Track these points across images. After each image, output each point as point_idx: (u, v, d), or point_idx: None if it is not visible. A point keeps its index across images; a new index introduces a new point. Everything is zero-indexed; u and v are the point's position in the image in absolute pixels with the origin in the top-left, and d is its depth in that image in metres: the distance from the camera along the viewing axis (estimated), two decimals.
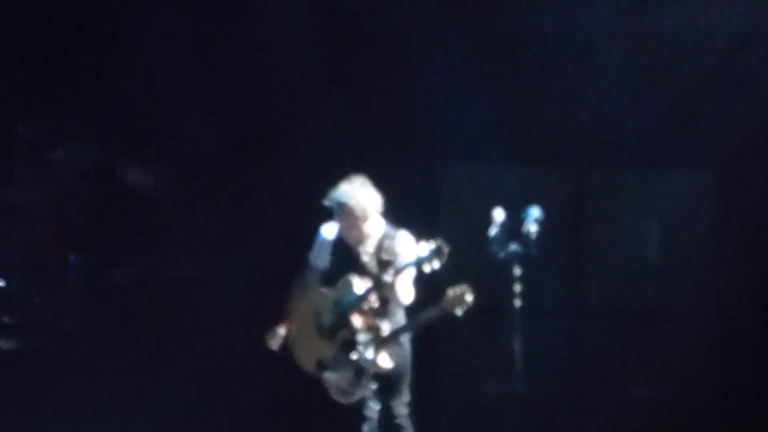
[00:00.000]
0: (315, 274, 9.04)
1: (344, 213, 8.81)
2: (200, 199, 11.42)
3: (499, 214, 8.46)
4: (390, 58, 11.25)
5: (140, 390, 10.78)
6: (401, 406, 8.86)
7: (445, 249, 8.39)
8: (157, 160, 11.80)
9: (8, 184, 11.87)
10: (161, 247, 11.68)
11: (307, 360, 8.85)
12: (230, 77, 11.30)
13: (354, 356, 8.53)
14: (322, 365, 8.72)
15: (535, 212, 8.44)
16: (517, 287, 8.35)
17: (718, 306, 11.25)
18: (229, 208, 11.35)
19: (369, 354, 8.52)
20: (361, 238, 8.88)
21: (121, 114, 11.38)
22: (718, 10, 11.17)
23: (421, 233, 8.71)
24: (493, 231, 8.45)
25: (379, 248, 8.82)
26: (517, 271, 8.38)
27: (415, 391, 8.96)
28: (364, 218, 8.82)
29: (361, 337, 8.58)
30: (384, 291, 8.69)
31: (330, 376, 8.70)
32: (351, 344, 8.59)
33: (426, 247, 8.46)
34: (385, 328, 8.69)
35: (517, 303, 8.34)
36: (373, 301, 8.73)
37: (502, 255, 8.42)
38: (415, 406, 8.95)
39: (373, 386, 8.57)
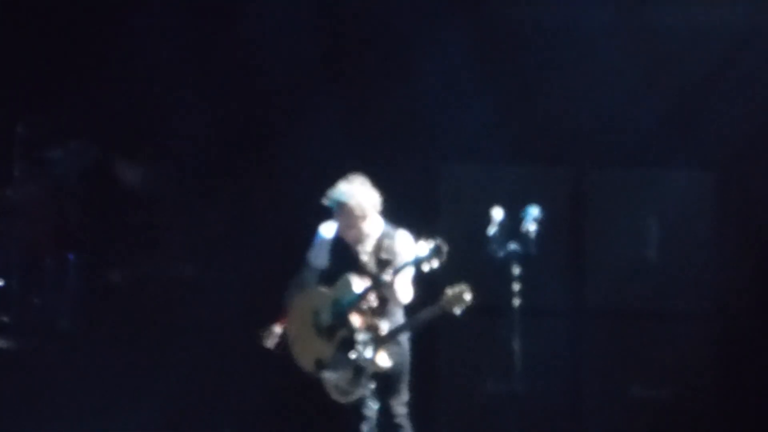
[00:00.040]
0: (314, 273, 9.03)
1: (343, 212, 8.79)
2: (199, 198, 11.42)
3: (498, 213, 8.47)
4: (389, 57, 11.25)
5: (139, 390, 10.76)
6: (400, 406, 8.85)
7: (444, 248, 8.39)
8: (156, 159, 11.81)
9: (8, 184, 11.87)
10: (160, 247, 11.69)
11: (306, 359, 8.83)
12: (229, 77, 11.31)
13: (353, 355, 8.52)
14: (321, 364, 8.71)
15: (534, 211, 8.45)
16: (516, 286, 8.36)
17: (718, 306, 11.22)
18: (227, 208, 11.35)
19: (368, 353, 8.51)
20: (360, 238, 8.86)
21: (120, 114, 11.39)
22: (718, 8, 11.16)
23: (420, 232, 8.70)
24: (492, 230, 8.45)
25: (378, 247, 8.81)
26: (516, 270, 8.39)
27: (414, 390, 8.94)
28: (363, 217, 8.80)
29: (360, 337, 8.57)
30: (383, 290, 8.68)
31: (329, 376, 8.68)
32: (350, 343, 8.58)
33: (425, 247, 8.46)
34: (384, 327, 8.67)
35: (517, 302, 8.34)
36: (372, 300, 8.72)
37: (501, 254, 8.43)
38: (414, 406, 8.93)
39: (372, 385, 8.57)
